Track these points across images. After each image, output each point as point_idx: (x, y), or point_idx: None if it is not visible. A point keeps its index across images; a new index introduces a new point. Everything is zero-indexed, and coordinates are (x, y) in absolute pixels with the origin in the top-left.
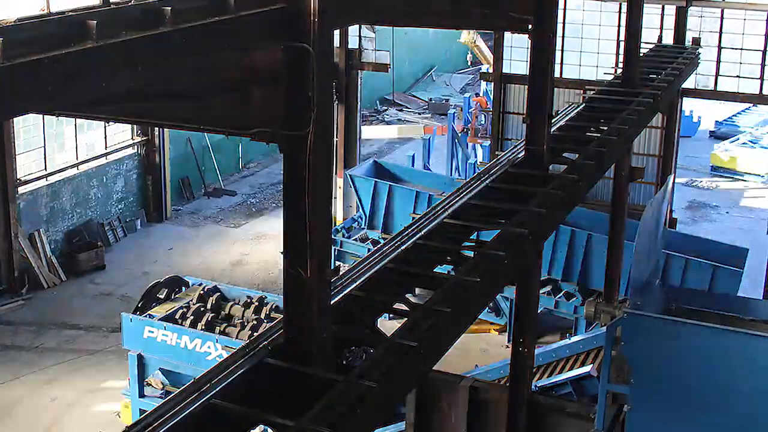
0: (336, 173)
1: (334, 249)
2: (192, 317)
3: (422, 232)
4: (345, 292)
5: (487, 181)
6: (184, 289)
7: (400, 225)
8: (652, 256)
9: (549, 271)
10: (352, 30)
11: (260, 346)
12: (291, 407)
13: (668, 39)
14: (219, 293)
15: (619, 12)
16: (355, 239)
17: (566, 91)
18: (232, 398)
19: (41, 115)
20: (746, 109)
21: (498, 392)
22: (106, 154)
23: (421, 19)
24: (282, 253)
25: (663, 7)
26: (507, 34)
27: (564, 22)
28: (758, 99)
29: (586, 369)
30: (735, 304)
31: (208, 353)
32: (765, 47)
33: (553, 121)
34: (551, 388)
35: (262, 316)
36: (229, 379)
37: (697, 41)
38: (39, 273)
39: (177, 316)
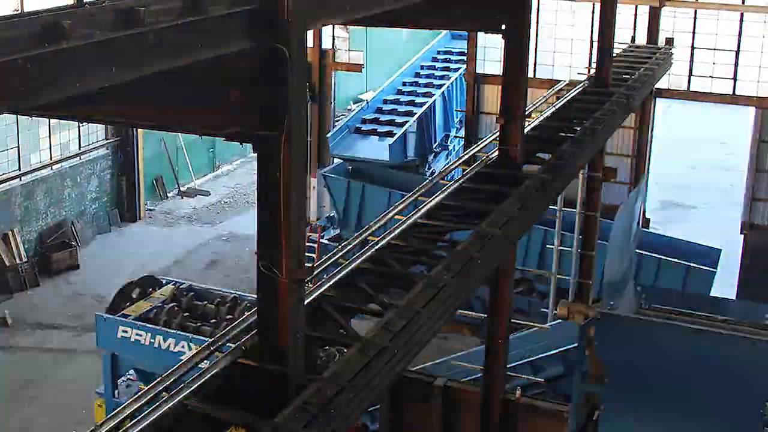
0: (310, 173)
1: (308, 249)
2: (165, 317)
3: (396, 232)
4: (319, 292)
5: (460, 181)
6: (157, 288)
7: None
8: (625, 256)
9: (522, 271)
10: (326, 30)
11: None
12: (264, 407)
13: (642, 39)
14: (193, 293)
15: (593, 12)
16: (329, 239)
17: (540, 91)
18: (206, 398)
19: (15, 115)
20: None
21: (471, 392)
22: (80, 154)
23: (395, 19)
24: (256, 253)
25: (636, 7)
26: (480, 34)
27: (537, 23)
28: (731, 99)
29: (560, 369)
30: (708, 304)
31: (182, 353)
32: (738, 48)
33: (526, 121)
34: (525, 388)
35: (236, 315)
36: (203, 379)
37: (670, 41)
38: (13, 273)
39: (151, 316)
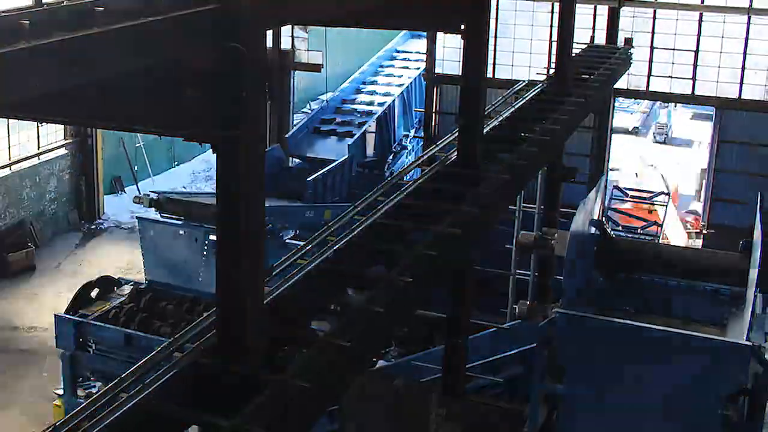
0: None
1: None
2: (124, 317)
3: (355, 232)
4: (278, 292)
5: (420, 182)
6: (116, 289)
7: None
8: (584, 257)
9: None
10: (285, 30)
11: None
12: (224, 407)
13: (601, 39)
14: (151, 293)
15: (552, 12)
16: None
17: (499, 91)
18: (165, 398)
19: None
20: None
21: (431, 392)
22: (38, 154)
23: (354, 19)
24: (215, 252)
25: (595, 7)
26: (440, 34)
27: (497, 23)
28: (690, 99)
29: (519, 369)
30: (668, 304)
31: None
32: (697, 47)
33: (485, 121)
34: (484, 388)
35: (196, 315)
36: (163, 379)
37: (629, 41)
38: None
39: (110, 316)
